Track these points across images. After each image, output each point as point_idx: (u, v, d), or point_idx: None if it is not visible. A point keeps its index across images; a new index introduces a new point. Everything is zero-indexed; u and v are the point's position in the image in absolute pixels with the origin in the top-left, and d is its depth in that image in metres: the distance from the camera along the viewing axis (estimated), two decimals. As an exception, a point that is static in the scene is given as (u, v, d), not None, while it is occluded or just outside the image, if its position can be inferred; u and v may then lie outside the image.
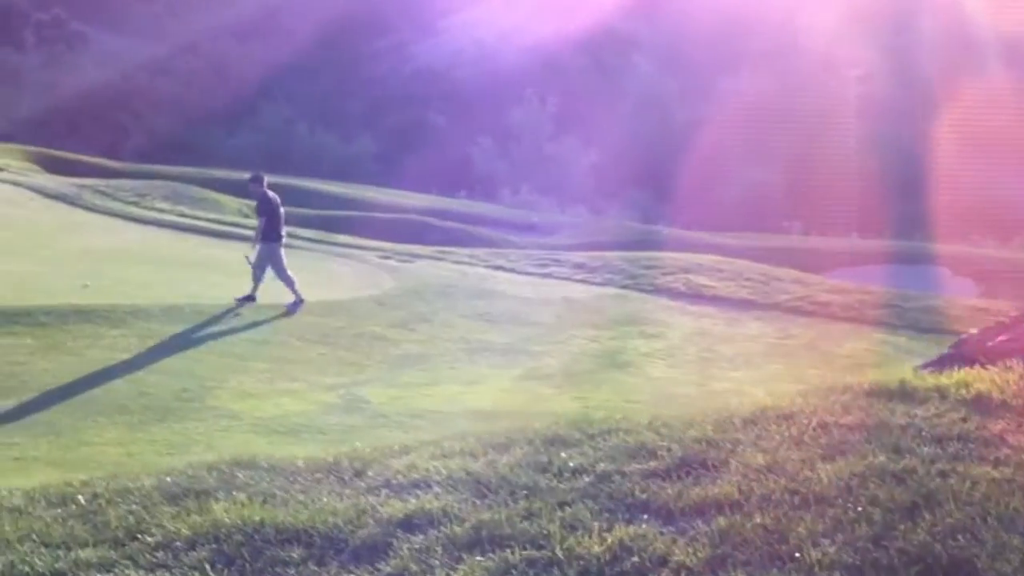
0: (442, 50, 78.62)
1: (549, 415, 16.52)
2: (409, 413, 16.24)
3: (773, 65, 67.18)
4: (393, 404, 16.66)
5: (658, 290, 23.85)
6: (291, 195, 37.54)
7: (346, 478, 6.52)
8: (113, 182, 33.16)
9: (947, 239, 43.49)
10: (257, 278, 21.54)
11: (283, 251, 21.85)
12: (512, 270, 25.19)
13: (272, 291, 22.42)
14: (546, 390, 17.96)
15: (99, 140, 69.45)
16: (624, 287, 24.03)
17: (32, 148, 41.07)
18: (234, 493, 6.27)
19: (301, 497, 6.13)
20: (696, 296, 23.47)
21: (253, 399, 16.47)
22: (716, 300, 23.33)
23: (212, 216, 29.15)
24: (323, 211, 33.53)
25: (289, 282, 21.43)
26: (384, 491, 6.18)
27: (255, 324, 20.01)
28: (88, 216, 29.02)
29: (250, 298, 21.33)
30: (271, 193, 22.02)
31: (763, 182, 54.82)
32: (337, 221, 31.29)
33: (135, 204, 30.11)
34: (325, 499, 6.09)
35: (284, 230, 22.16)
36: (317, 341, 19.52)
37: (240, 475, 6.64)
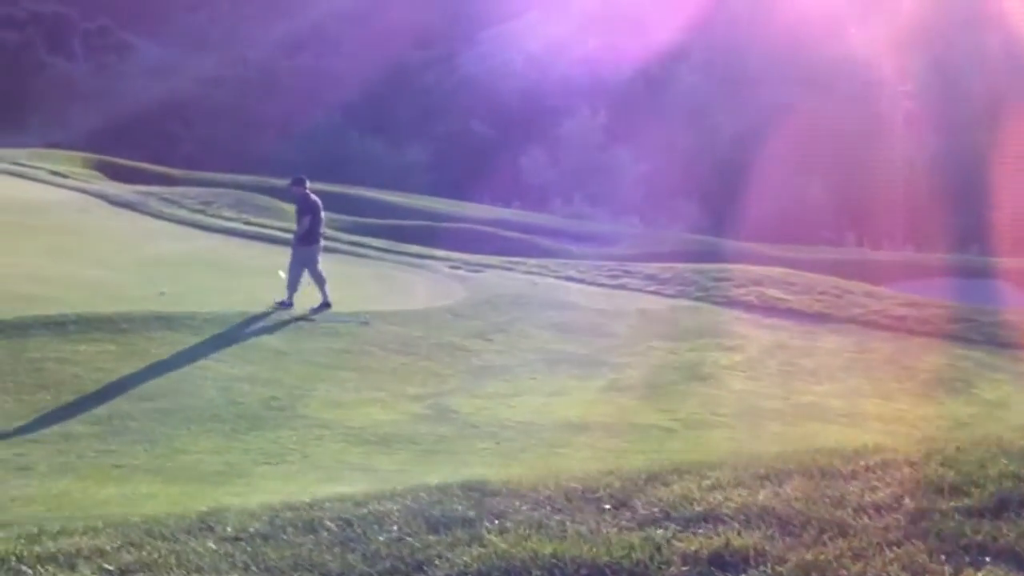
0: (489, 61, 78.68)
1: (639, 428, 16.59)
2: (498, 424, 16.24)
3: (821, 78, 66.90)
4: (481, 414, 16.65)
5: (731, 302, 23.74)
6: (350, 204, 37.71)
7: (608, 507, 6.14)
8: (178, 190, 33.31)
9: (1002, 252, 43.12)
10: (293, 283, 21.40)
11: (321, 256, 21.63)
12: (583, 281, 25.14)
13: (347, 298, 22.47)
14: (630, 402, 17.91)
15: (149, 148, 69.78)
16: (697, 299, 23.93)
17: (93, 155, 41.31)
18: (498, 521, 6.02)
19: (582, 528, 5.82)
20: (770, 309, 23.34)
21: (342, 408, 16.48)
22: (790, 313, 23.19)
23: (278, 224, 29.18)
24: (384, 220, 33.59)
25: (320, 282, 21.35)
26: (670, 525, 5.75)
27: (335, 333, 20.02)
28: (156, 223, 29.12)
29: (286, 304, 21.22)
30: (313, 195, 21.90)
31: (812, 194, 54.62)
32: (401, 231, 31.32)
33: (201, 212, 30.22)
34: (606, 531, 5.76)
35: (323, 232, 22.05)
36: (398, 351, 19.51)
37: (489, 501, 6.41)
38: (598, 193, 54.44)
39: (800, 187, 54.70)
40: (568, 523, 5.90)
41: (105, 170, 38.32)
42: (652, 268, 25.80)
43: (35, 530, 6.86)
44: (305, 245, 21.58)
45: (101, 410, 15.74)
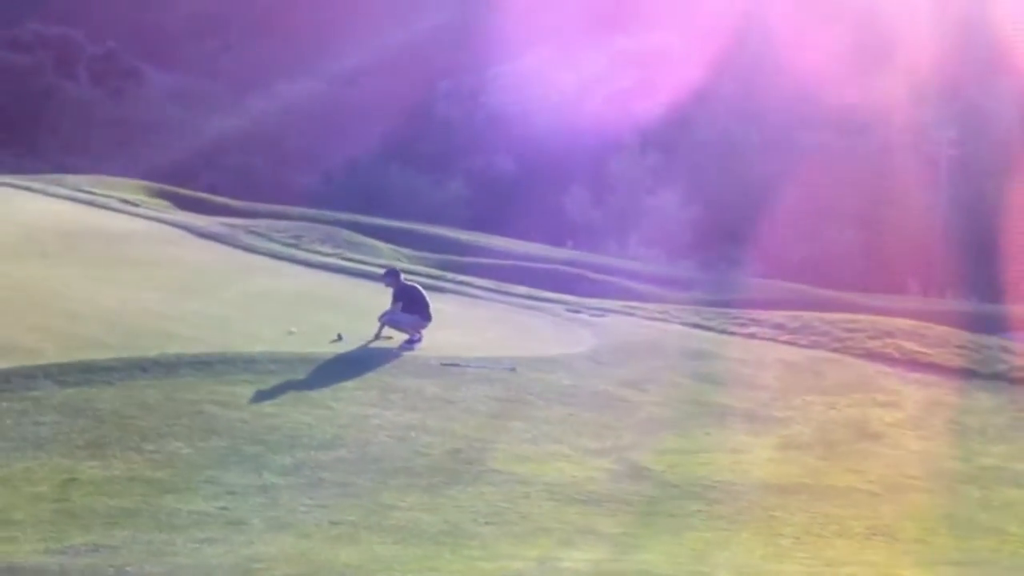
0: (514, 95, 77.82)
1: (840, 491, 15.83)
2: (698, 483, 15.50)
3: (853, 125, 66.50)
4: (675, 472, 15.90)
5: (871, 355, 22.99)
6: (417, 240, 37.03)
7: None
8: (262, 222, 32.43)
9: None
10: (405, 327, 20.99)
11: (422, 332, 21.11)
12: (711, 328, 24.37)
13: (481, 343, 21.71)
14: (816, 462, 17.19)
15: (171, 177, 68.84)
16: (835, 350, 23.18)
17: (155, 184, 40.56)
18: None
19: None
20: (912, 363, 22.63)
21: (531, 462, 15.72)
22: (934, 368, 22.50)
23: (378, 261, 28.39)
24: (469, 258, 32.84)
25: (392, 325, 20.95)
26: None
27: (486, 379, 19.22)
28: (250, 257, 28.21)
29: (415, 340, 20.89)
30: (407, 284, 21.88)
31: (867, 241, 54.14)
32: (486, 269, 30.53)
33: (294, 246, 29.33)
34: None
35: (430, 311, 21.38)
36: (556, 400, 18.76)
37: None
38: (649, 235, 53.86)
39: (853, 234, 54.23)
40: None
41: (172, 199, 37.52)
42: (778, 317, 25.06)
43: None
44: (415, 316, 21.15)
45: (285, 459, 14.93)
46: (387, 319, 20.99)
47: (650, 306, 26.14)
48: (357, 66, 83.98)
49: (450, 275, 27.66)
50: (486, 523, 13.25)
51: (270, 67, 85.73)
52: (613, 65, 74.67)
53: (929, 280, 48.47)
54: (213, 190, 65.07)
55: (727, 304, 29.32)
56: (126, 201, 34.35)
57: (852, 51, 70.80)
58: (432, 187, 65.16)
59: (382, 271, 23.80)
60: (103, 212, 32.63)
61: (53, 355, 17.95)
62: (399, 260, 30.59)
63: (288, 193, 60.65)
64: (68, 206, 33.48)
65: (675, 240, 54.26)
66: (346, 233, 31.66)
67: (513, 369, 19.77)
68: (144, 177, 47.84)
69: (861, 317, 25.47)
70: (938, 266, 50.81)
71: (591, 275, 32.55)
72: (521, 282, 28.78)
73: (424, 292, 21.79)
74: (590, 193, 61.11)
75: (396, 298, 21.27)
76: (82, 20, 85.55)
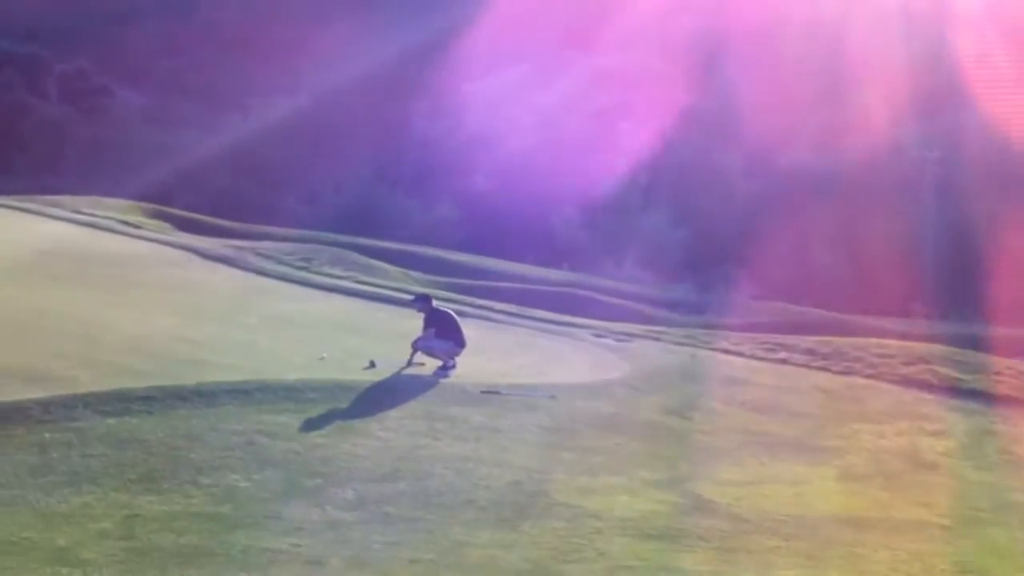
0: (492, 115, 77.34)
1: (914, 525, 15.44)
2: (767, 517, 15.04)
3: (838, 142, 66.34)
4: (741, 505, 15.46)
5: (907, 381, 22.65)
6: (421, 263, 36.50)
7: None
8: (268, 244, 31.87)
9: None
10: (439, 353, 20.61)
11: (456, 358, 20.69)
12: (741, 354, 23.98)
13: (513, 369, 21.26)
14: (879, 493, 16.82)
15: (148, 197, 67.81)
16: (870, 377, 22.83)
17: (150, 205, 39.94)
18: None
19: None
20: (952, 390, 22.28)
21: (594, 495, 15.24)
22: (975, 395, 22.17)
23: (393, 285, 27.90)
24: (478, 281, 32.35)
25: (426, 351, 20.59)
26: None
27: (529, 407, 18.78)
28: (263, 280, 27.65)
29: (449, 367, 20.49)
30: (440, 309, 21.54)
31: (864, 262, 53.91)
32: (497, 293, 30.07)
33: (304, 269, 28.78)
34: None
35: (464, 337, 20.96)
36: (604, 428, 18.34)
37: None
38: (642, 256, 53.54)
39: (849, 256, 54.09)
40: None
41: (170, 221, 36.89)
42: (808, 342, 24.68)
43: None
44: (449, 344, 20.78)
45: (346, 493, 14.41)
46: (421, 345, 20.55)
47: (675, 331, 25.71)
48: (333, 85, 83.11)
49: (469, 299, 27.17)
50: (566, 561, 12.79)
51: (242, 86, 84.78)
52: (591, 85, 74.32)
53: (927, 301, 48.23)
54: (191, 210, 64.10)
55: (752, 328, 28.88)
56: (127, 223, 33.68)
57: (835, 72, 70.83)
58: (419, 208, 64.54)
59: (411, 296, 23.39)
60: (106, 234, 31.98)
61: (87, 383, 17.38)
62: (410, 283, 30.09)
63: (272, 214, 59.76)
64: (69, 227, 32.81)
65: (669, 262, 53.92)
66: (354, 255, 31.12)
67: (553, 397, 19.34)
68: (124, 197, 47.16)
69: (891, 342, 25.12)
70: (937, 287, 50.55)
71: (602, 298, 32.11)
72: (536, 305, 28.31)
73: (457, 317, 21.33)
74: (579, 214, 60.73)
75: (428, 324, 20.84)
76: (48, 37, 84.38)
